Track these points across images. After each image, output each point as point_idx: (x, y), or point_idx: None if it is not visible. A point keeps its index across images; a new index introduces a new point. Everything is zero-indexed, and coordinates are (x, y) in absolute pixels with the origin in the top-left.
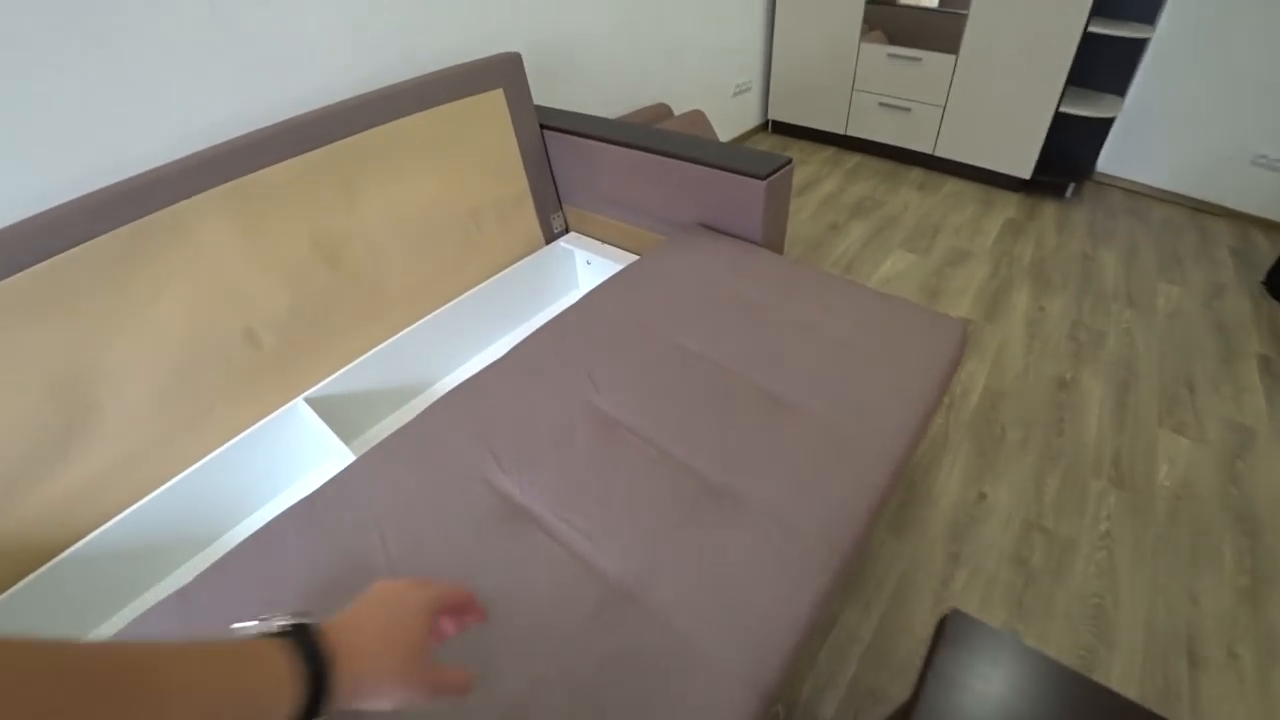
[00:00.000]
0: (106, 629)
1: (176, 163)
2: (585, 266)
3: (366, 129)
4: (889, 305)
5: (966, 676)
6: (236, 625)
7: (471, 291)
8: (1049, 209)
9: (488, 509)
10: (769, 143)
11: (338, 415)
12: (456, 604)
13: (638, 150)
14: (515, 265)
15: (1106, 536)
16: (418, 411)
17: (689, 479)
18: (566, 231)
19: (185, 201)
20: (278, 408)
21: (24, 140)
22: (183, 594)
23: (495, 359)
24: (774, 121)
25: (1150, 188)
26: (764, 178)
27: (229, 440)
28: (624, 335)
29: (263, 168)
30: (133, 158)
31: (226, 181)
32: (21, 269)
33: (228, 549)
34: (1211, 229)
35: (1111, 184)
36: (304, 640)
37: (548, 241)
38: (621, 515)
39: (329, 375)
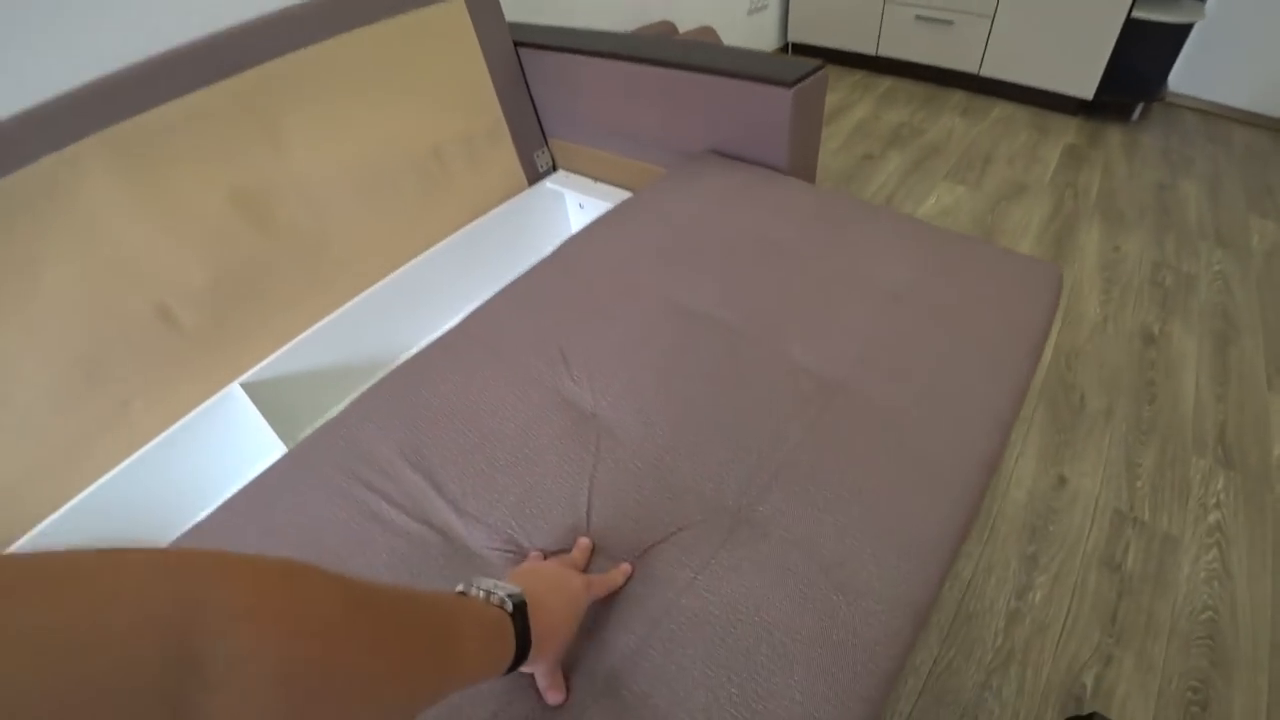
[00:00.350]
0: None
1: (34, 109)
2: (578, 211)
3: (288, 52)
4: (961, 247)
5: None
6: (462, 588)
7: (437, 246)
8: (1114, 134)
9: (419, 546)
10: None
11: (283, 402)
12: (605, 590)
13: (633, 63)
14: (492, 213)
15: (1216, 530)
16: None
17: (695, 503)
18: (554, 170)
19: (52, 155)
20: (209, 397)
21: None
22: None
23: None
24: (794, 44)
25: (1229, 109)
26: (790, 85)
27: (153, 438)
28: (609, 296)
29: (151, 107)
30: None
31: (105, 127)
32: None
33: None
34: None
35: (1184, 105)
36: (522, 618)
37: (531, 183)
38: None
39: (268, 356)
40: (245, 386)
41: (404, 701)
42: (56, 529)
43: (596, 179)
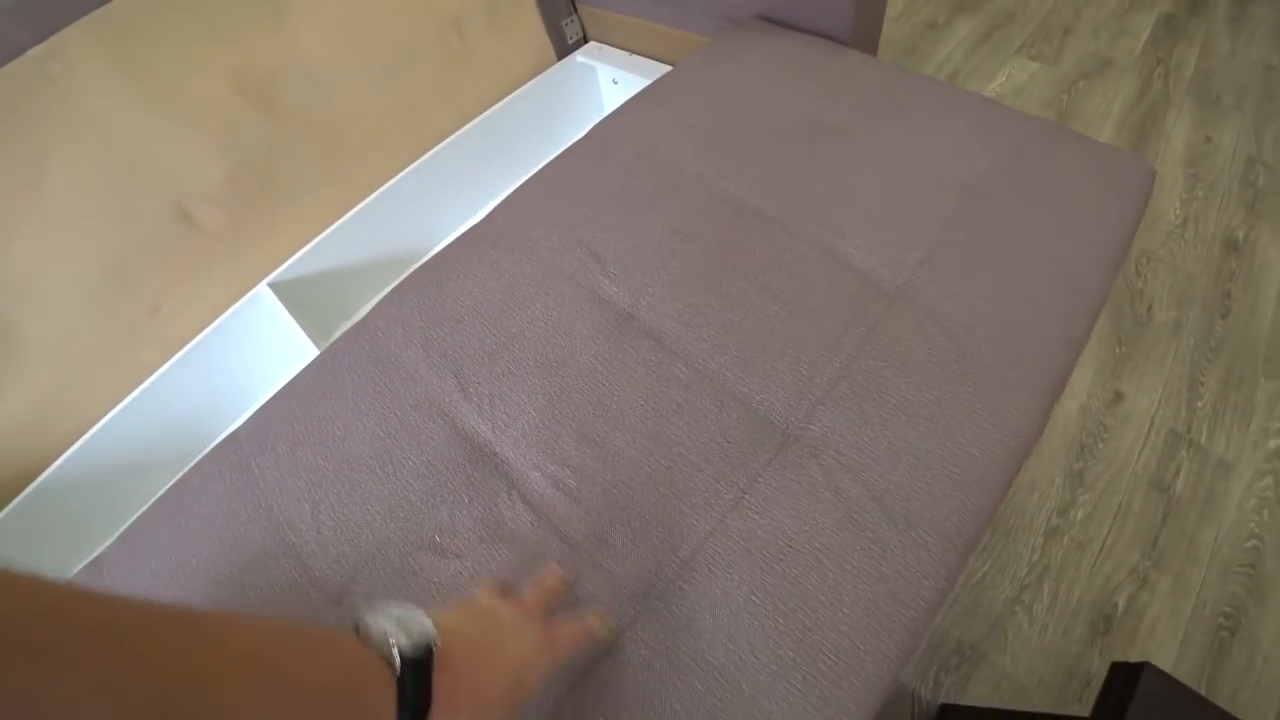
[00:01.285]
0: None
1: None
2: (612, 87)
3: None
4: (1041, 135)
5: None
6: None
7: (460, 131)
8: (1220, 4)
9: (445, 455)
10: None
11: (312, 301)
12: (576, 639)
13: None
14: (518, 91)
15: (1275, 457)
16: None
17: (741, 416)
18: (585, 41)
19: (38, 48)
20: (238, 299)
21: None
22: (97, 562)
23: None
24: None
25: None
26: None
27: (187, 343)
28: (647, 185)
29: None
30: None
31: (90, 10)
32: None
33: None
34: None
35: None
36: (416, 676)
37: (560, 56)
38: (633, 479)
39: (293, 255)
40: (273, 286)
41: None
42: (102, 439)
43: (632, 51)
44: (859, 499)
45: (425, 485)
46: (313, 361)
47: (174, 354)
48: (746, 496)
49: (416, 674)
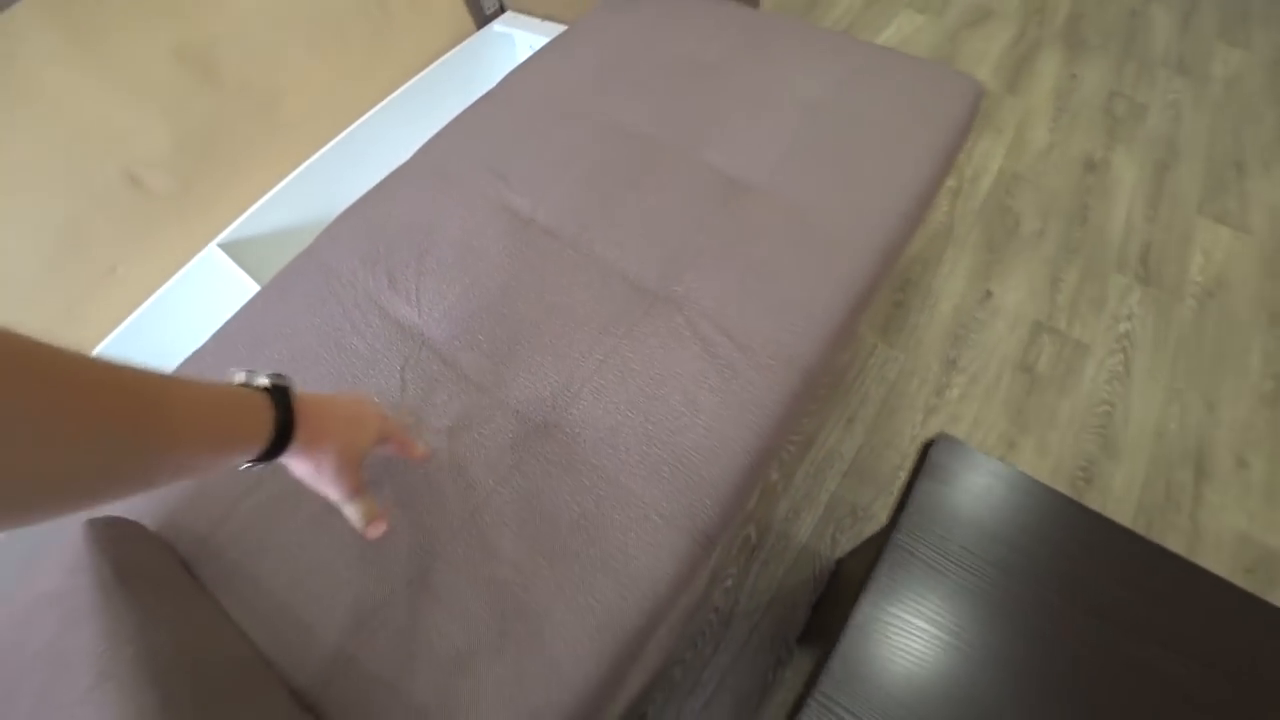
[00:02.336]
0: None
1: None
2: (528, 52)
3: None
4: (880, 60)
5: (948, 505)
6: (233, 371)
7: (390, 97)
8: None
9: (384, 340)
10: None
11: (262, 260)
12: (399, 439)
13: None
14: (441, 59)
15: (1124, 338)
16: None
17: (620, 285)
18: (502, 11)
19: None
20: (190, 259)
21: None
22: None
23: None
24: None
25: None
26: None
27: (142, 303)
28: (544, 119)
29: None
30: None
31: None
32: None
33: None
34: None
35: None
36: (284, 401)
37: (479, 26)
38: (533, 336)
39: (240, 216)
40: (224, 246)
41: (98, 462)
42: None
43: (545, 17)
44: (713, 336)
45: (365, 360)
46: (268, 283)
47: (131, 313)
48: (624, 341)
49: (282, 397)
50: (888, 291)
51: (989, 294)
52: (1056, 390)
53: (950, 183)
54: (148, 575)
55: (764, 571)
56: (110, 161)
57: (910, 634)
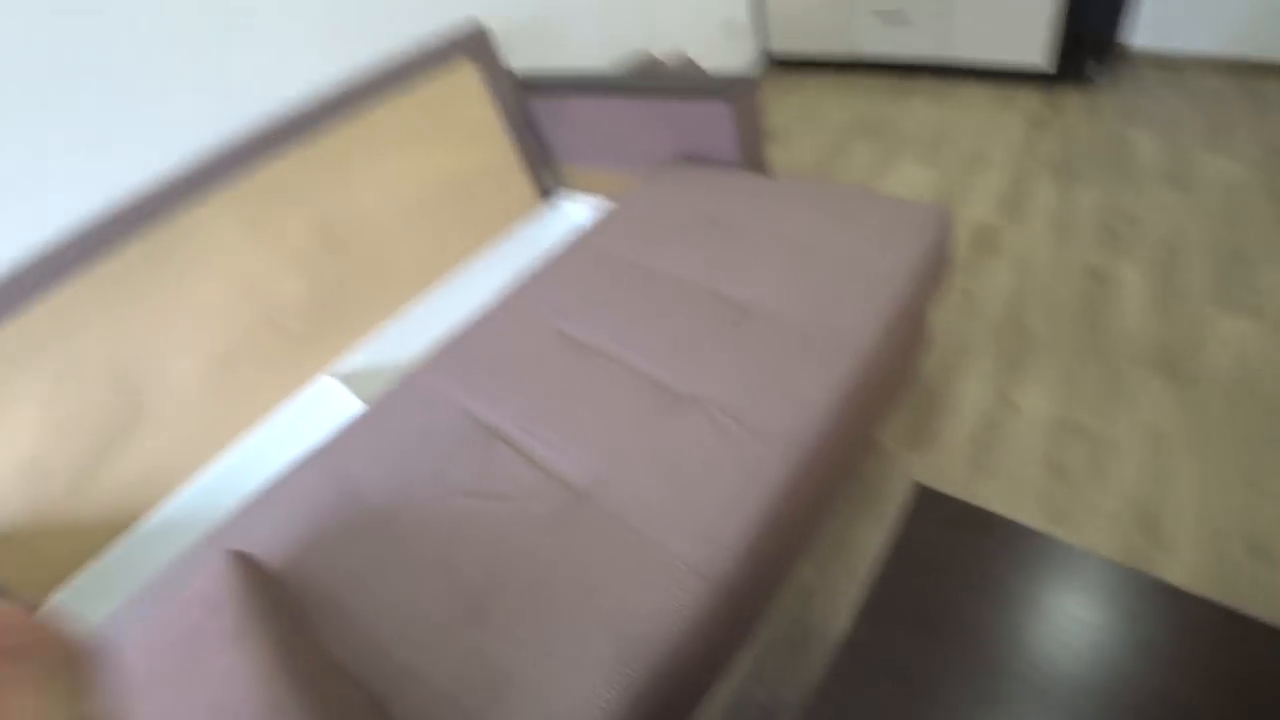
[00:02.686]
0: None
1: (181, 177)
2: (582, 222)
3: (352, 119)
4: (865, 201)
5: (932, 550)
6: None
7: (473, 258)
8: (1076, 100)
9: (464, 434)
10: (769, 77)
11: (363, 385)
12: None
13: (611, 98)
14: (512, 228)
15: (1152, 430)
16: None
17: (651, 389)
18: (560, 189)
19: (198, 209)
20: (308, 383)
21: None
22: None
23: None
24: (772, 55)
25: (1191, 57)
26: (727, 99)
27: (267, 415)
28: (591, 267)
29: (256, 171)
30: (144, 179)
31: (227, 187)
32: (63, 282)
33: None
34: (1267, 92)
35: (1148, 59)
36: None
37: (543, 200)
38: (585, 426)
39: (350, 351)
40: (338, 376)
41: None
42: (199, 492)
43: (596, 193)
44: (725, 421)
45: (448, 445)
46: (374, 402)
47: (260, 424)
48: (655, 427)
49: None
50: (910, 403)
51: (1009, 399)
52: (1091, 485)
53: (960, 303)
54: (273, 615)
55: (804, 666)
56: (260, 310)
57: None
